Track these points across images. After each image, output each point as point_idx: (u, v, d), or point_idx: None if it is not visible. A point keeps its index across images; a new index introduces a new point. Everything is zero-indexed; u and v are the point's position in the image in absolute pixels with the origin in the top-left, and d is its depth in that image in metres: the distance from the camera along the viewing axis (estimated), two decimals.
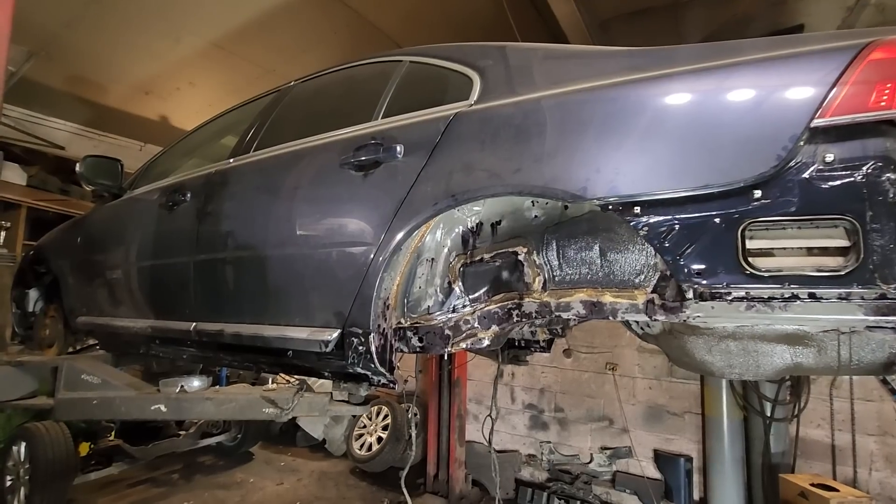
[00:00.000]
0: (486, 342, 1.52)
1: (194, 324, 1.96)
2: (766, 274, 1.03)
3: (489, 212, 1.48)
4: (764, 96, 1.07)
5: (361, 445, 4.76)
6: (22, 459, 3.55)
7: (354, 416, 4.90)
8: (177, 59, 4.41)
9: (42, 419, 3.58)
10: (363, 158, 1.57)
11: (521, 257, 1.46)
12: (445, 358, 4.31)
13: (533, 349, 2.46)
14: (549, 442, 4.52)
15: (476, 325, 1.50)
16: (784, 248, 1.04)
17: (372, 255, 1.46)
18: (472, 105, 1.50)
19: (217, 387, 2.15)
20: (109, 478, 4.29)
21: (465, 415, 4.60)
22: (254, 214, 1.85)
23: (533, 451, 4.60)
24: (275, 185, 1.83)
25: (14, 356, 2.33)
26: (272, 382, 4.57)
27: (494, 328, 1.51)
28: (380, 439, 4.65)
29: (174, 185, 2.26)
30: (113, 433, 4.23)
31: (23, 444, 3.57)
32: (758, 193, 1.02)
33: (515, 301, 1.50)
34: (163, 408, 1.86)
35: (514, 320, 1.52)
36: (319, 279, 1.59)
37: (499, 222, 1.50)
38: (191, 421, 4.69)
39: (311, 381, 2.87)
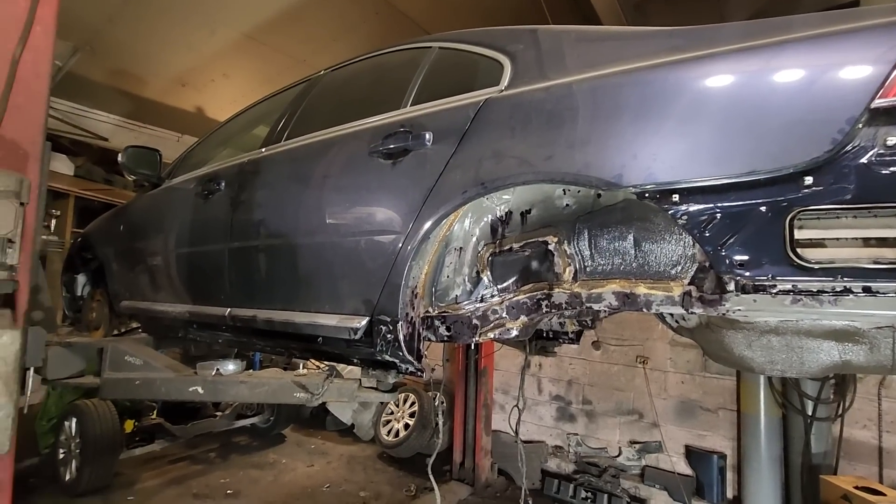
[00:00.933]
0: (513, 332, 1.50)
1: (229, 309, 2.02)
2: (815, 266, 0.97)
3: (519, 200, 1.45)
4: (817, 76, 1.00)
5: (389, 431, 4.85)
6: (73, 434, 3.79)
7: (382, 403, 4.98)
8: (211, 52, 4.52)
9: (90, 397, 3.80)
10: (392, 146, 1.56)
11: (551, 247, 1.43)
12: (472, 347, 4.31)
13: (561, 340, 2.43)
14: (577, 434, 4.48)
15: (504, 315, 1.49)
16: (837, 239, 0.98)
17: (400, 244, 1.46)
18: (502, 91, 1.46)
19: (251, 371, 2.21)
20: (152, 454, 4.53)
21: (491, 404, 4.61)
22: (285, 203, 1.88)
23: (560, 443, 4.58)
24: (305, 174, 1.85)
25: (64, 337, 2.46)
26: (303, 368, 4.69)
27: (523, 318, 1.49)
28: (407, 426, 4.72)
29: (209, 175, 2.32)
30: (155, 412, 4.45)
31: (74, 420, 3.80)
32: (809, 180, 0.95)
33: (545, 291, 1.47)
34: (200, 390, 1.93)
35: (543, 311, 1.49)
36: (349, 267, 1.61)
37: (529, 211, 1.47)
38: (226, 403, 4.88)
39: (340, 367, 2.92)
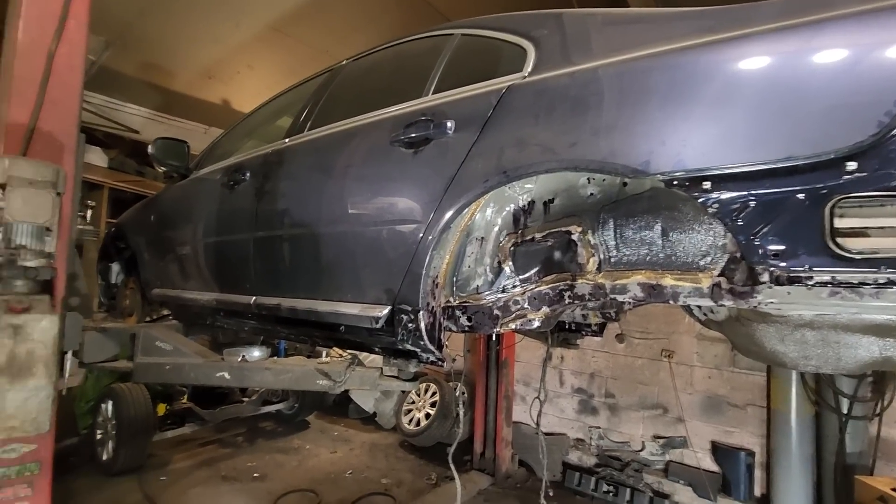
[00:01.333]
0: (535, 323, 1.49)
1: (254, 297, 2.06)
2: (857, 256, 0.92)
3: (542, 189, 1.43)
4: (862, 55, 0.94)
5: (410, 420, 4.90)
6: (109, 416, 3.96)
7: (404, 392, 5.03)
8: (236, 44, 4.58)
9: (125, 381, 3.96)
10: (413, 135, 1.55)
11: (574, 237, 1.40)
12: (494, 338, 4.30)
13: (584, 333, 2.39)
14: (599, 427, 4.44)
15: (526, 305, 1.47)
16: (881, 228, 0.92)
17: (422, 234, 1.45)
18: (525, 77, 1.43)
19: (275, 358, 2.26)
20: (183, 437, 4.71)
21: (512, 396, 4.61)
22: (307, 193, 1.90)
23: (581, 436, 4.54)
24: (327, 164, 1.86)
25: (99, 323, 2.57)
26: (326, 356, 4.78)
27: (545, 309, 1.47)
28: (428, 415, 4.76)
29: (234, 166, 2.36)
30: (186, 396, 4.62)
31: (110, 403, 3.97)
32: (852, 166, 0.90)
33: (568, 282, 1.45)
34: (226, 375, 1.99)
35: (566, 302, 1.47)
36: (370, 256, 1.61)
37: (552, 200, 1.44)
38: (253, 389, 5.02)
39: (362, 355, 2.95)
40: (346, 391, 5.29)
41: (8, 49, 1.60)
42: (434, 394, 4.87)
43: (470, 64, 1.70)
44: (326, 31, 4.28)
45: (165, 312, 3.09)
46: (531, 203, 1.45)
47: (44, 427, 1.43)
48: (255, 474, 4.19)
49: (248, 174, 2.22)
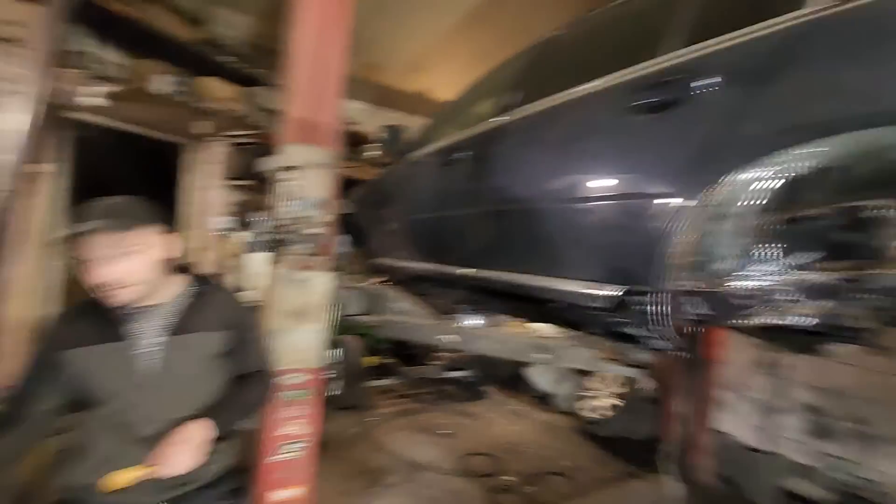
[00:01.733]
0: (804, 320, 1.24)
1: (467, 270, 2.17)
2: None
3: (838, 152, 1.14)
4: None
5: (590, 407, 4.73)
6: (337, 361, 4.81)
7: (584, 375, 4.88)
8: (436, 34, 4.90)
9: (348, 333, 4.73)
10: (654, 99, 1.42)
11: (882, 214, 1.10)
12: (699, 332, 3.81)
13: (833, 338, 1.91)
14: (840, 457, 3.58)
15: (790, 297, 1.24)
16: None
17: (663, 209, 1.33)
18: (812, 13, 1.15)
19: (495, 327, 2.39)
20: (384, 388, 5.44)
21: (717, 400, 4.04)
22: (529, 168, 1.90)
23: (809, 462, 3.74)
24: (549, 138, 1.83)
25: (345, 284, 3.09)
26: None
27: (821, 304, 1.21)
28: (610, 406, 4.52)
29: (447, 147, 2.52)
30: (387, 354, 5.32)
31: (340, 350, 4.81)
32: None
33: (861, 273, 1.16)
34: (450, 338, 2.18)
35: (849, 297, 1.18)
36: (600, 234, 1.54)
37: (848, 167, 1.15)
38: (440, 354, 5.50)
39: (537, 328, 2.82)
40: (521, 368, 5.41)
41: (292, 56, 1.97)
42: (622, 383, 4.59)
43: (723, 8, 1.46)
44: (522, 6, 4.25)
45: (386, 279, 3.55)
46: (815, 170, 1.18)
47: (319, 360, 1.79)
48: (444, 431, 4.60)
49: (461, 153, 2.33)
